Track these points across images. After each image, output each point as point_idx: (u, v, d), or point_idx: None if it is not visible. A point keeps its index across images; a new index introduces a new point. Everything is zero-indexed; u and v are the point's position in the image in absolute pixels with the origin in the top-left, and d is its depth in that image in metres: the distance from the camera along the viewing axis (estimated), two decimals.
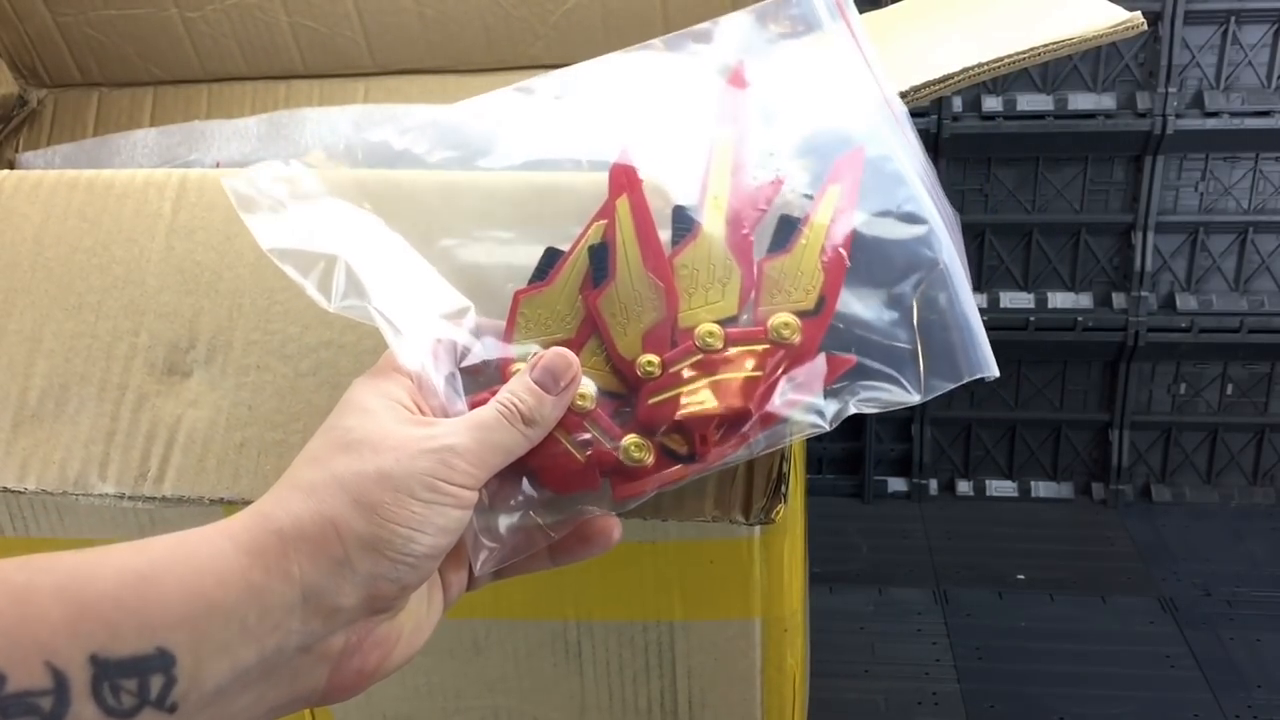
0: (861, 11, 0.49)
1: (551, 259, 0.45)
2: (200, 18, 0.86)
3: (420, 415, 0.41)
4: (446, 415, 0.41)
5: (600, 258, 0.44)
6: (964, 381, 0.43)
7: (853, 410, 0.43)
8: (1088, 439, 1.48)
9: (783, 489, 0.47)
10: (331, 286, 0.43)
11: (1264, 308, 1.40)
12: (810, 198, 0.44)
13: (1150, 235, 1.39)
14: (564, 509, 0.43)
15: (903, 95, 0.48)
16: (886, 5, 0.74)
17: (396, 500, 0.37)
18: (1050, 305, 1.43)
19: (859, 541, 1.42)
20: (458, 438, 0.39)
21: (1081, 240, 1.42)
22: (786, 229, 0.44)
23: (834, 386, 0.43)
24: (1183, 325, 1.40)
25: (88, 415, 0.52)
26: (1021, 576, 1.32)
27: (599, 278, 0.44)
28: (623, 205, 0.44)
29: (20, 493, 0.51)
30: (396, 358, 0.42)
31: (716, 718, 0.60)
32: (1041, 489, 1.49)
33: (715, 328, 0.43)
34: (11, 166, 0.88)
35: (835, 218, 0.44)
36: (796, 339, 0.43)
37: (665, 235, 0.44)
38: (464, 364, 0.43)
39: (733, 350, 0.43)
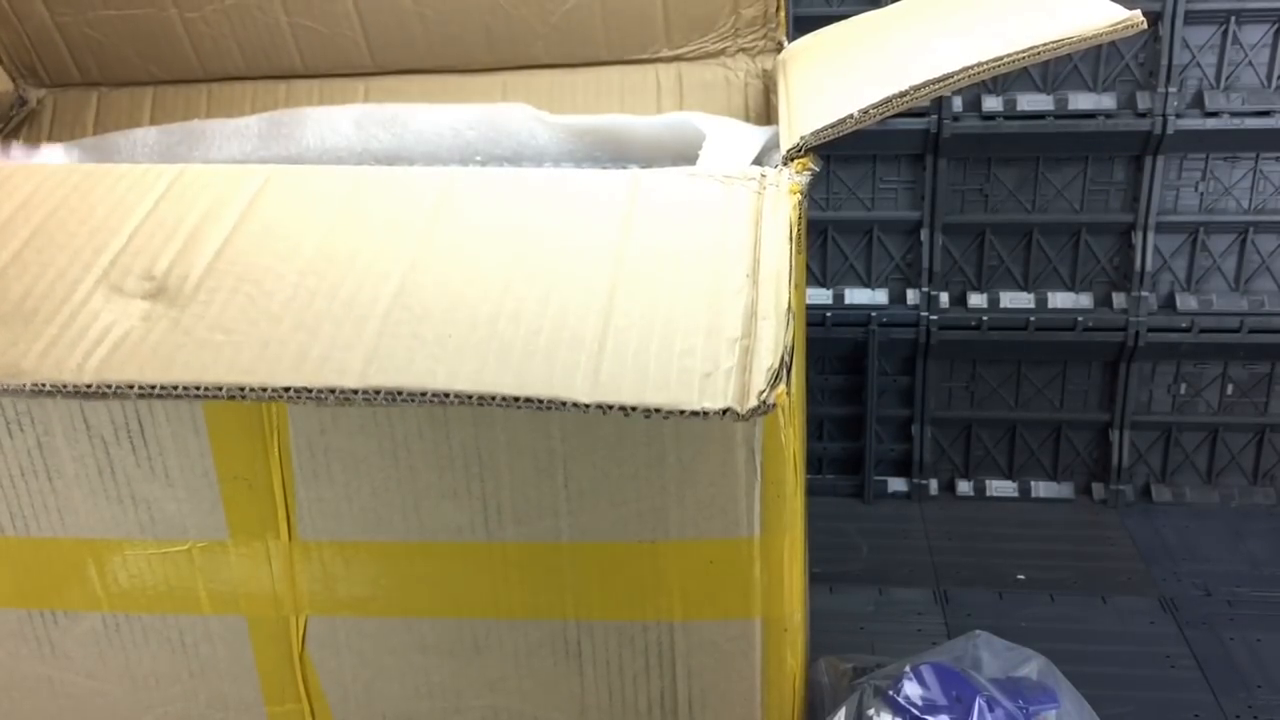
0: (861, 11, 0.49)
1: None
2: (200, 18, 0.86)
3: None
4: None
5: None
6: None
7: None
8: (1088, 439, 1.48)
9: (784, 372, 0.45)
10: None
11: (1264, 308, 1.40)
12: None
13: (1150, 235, 1.39)
14: None
15: (903, 95, 0.48)
16: (886, 4, 0.74)
17: None
18: (1050, 305, 1.43)
19: (859, 541, 1.41)
20: None
21: (1081, 240, 1.41)
22: None
23: None
24: (1183, 325, 1.40)
25: (33, 325, 0.51)
26: (1021, 576, 1.32)
27: None
28: None
29: None
30: None
31: (716, 718, 0.59)
32: (1041, 489, 1.49)
33: None
34: None
35: None
36: None
37: None
38: None
39: None
